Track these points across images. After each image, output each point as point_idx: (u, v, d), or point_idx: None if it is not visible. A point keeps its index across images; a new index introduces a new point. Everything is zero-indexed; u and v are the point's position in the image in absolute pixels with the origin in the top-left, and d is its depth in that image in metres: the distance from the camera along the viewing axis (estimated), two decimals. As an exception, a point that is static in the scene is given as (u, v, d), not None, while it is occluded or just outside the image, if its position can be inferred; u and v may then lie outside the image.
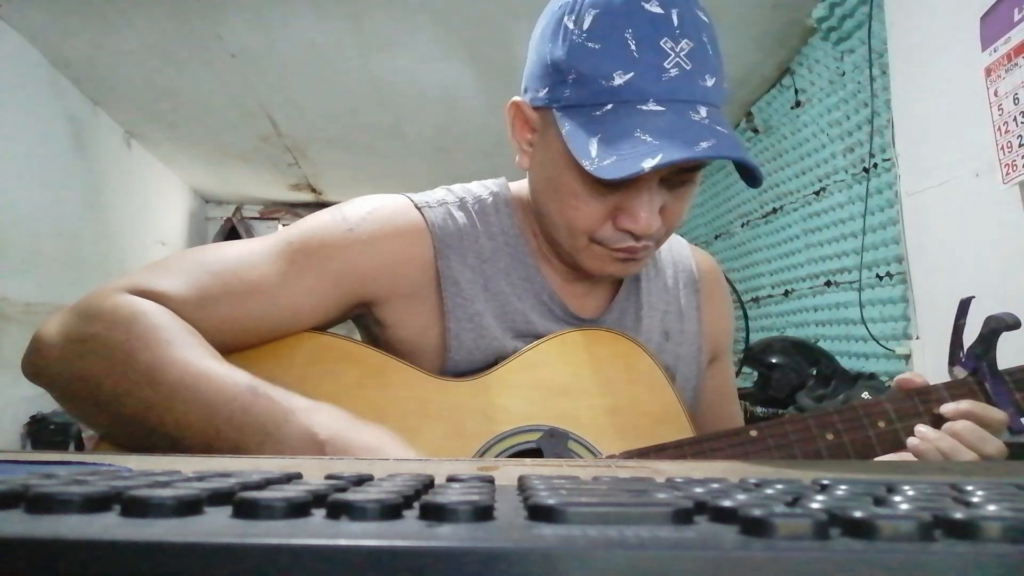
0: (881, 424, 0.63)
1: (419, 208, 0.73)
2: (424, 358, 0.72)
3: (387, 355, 0.70)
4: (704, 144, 0.59)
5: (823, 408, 0.64)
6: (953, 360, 0.67)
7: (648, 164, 0.57)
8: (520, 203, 0.78)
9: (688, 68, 0.61)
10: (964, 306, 0.68)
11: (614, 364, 0.73)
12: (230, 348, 0.65)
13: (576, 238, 0.68)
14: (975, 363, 0.65)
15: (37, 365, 0.61)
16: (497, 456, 0.66)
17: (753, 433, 0.62)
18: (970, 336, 0.67)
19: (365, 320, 0.75)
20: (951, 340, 0.68)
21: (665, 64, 0.61)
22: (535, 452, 0.67)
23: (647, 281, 0.82)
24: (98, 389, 0.57)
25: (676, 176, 0.65)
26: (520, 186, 0.79)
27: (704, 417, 0.86)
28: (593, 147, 0.60)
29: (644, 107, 0.61)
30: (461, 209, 0.75)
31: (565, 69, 0.63)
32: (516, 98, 0.71)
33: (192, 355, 0.57)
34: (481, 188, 0.78)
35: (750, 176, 0.64)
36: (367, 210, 0.71)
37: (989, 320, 0.65)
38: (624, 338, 0.74)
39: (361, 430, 0.55)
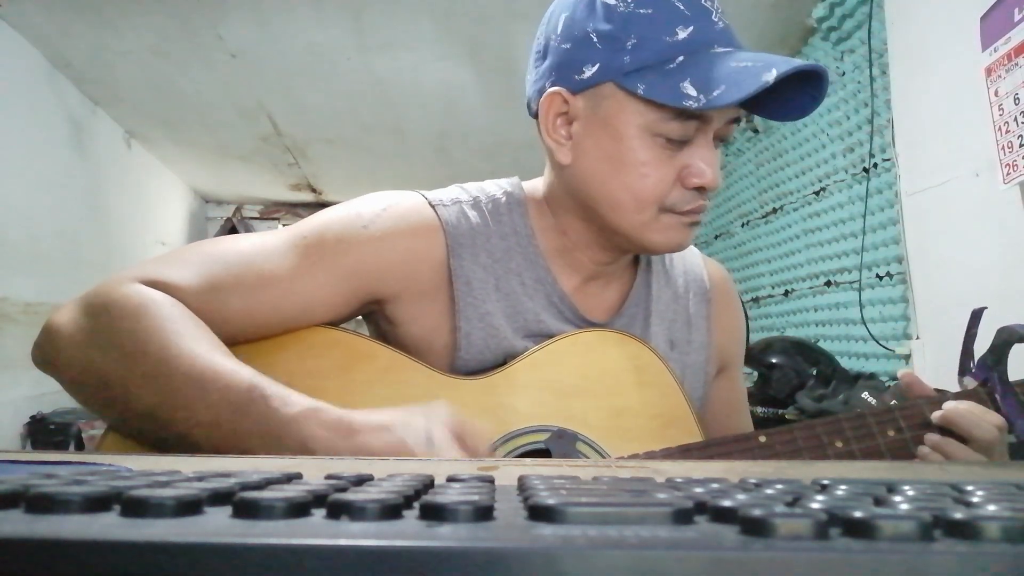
0: (891, 433, 0.63)
1: (433, 206, 0.73)
2: (434, 356, 0.72)
3: (397, 352, 0.70)
4: (796, 61, 0.61)
5: (833, 416, 0.64)
6: (963, 370, 0.67)
7: (768, 76, 0.59)
8: (534, 203, 0.77)
9: (727, 24, 0.67)
10: (976, 316, 0.68)
11: (624, 366, 0.72)
12: (239, 340, 0.65)
13: (644, 211, 0.67)
14: (986, 374, 0.65)
15: (47, 354, 0.61)
16: (505, 456, 0.66)
17: (762, 439, 0.62)
18: (979, 347, 0.67)
19: (375, 317, 0.75)
20: (962, 350, 0.67)
21: (713, 18, 0.66)
22: (543, 452, 0.67)
23: (657, 288, 0.81)
24: (107, 380, 0.57)
25: (724, 130, 0.68)
26: (533, 186, 0.79)
27: (712, 428, 0.85)
28: (689, 88, 0.62)
29: (714, 51, 0.64)
30: (475, 208, 0.75)
31: (622, 37, 0.64)
32: (552, 88, 0.68)
33: (199, 348, 0.57)
34: (495, 187, 0.78)
35: (810, 98, 0.66)
36: (381, 207, 0.71)
37: (1001, 331, 0.65)
38: (634, 340, 0.74)
39: (356, 436, 0.54)
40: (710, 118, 0.65)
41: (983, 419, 0.61)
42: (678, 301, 0.83)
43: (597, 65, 0.65)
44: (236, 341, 0.64)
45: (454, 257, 0.71)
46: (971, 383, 0.66)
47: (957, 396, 0.64)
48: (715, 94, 0.60)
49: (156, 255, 0.66)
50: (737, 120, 0.68)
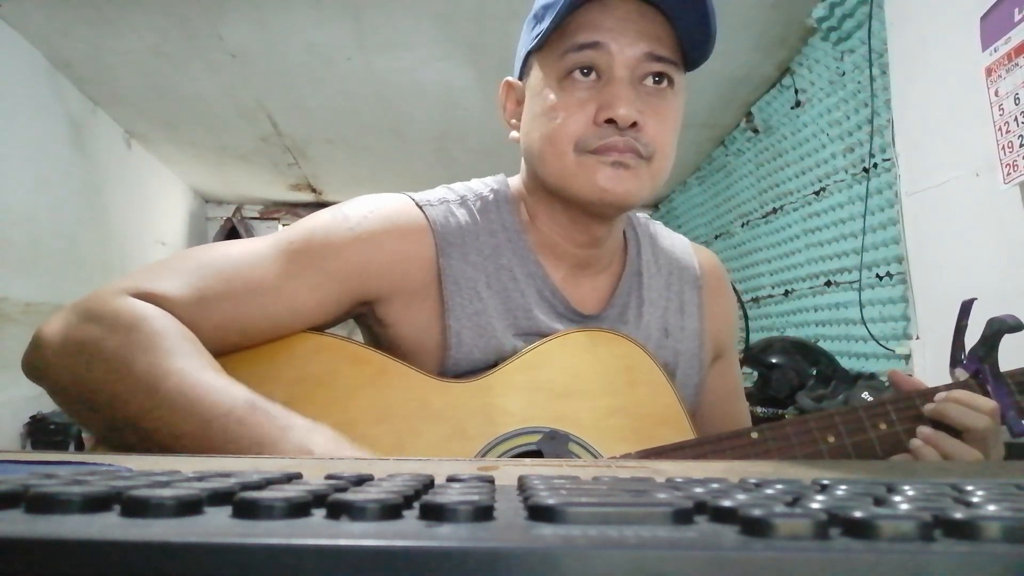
0: (882, 426, 0.63)
1: (420, 206, 0.73)
2: (426, 356, 0.72)
3: (388, 356, 0.70)
4: None
5: (824, 410, 0.64)
6: (955, 362, 0.67)
7: None
8: (521, 197, 0.78)
9: None
10: (966, 308, 0.68)
11: (615, 365, 0.72)
12: (231, 348, 0.65)
13: (563, 156, 0.68)
14: (977, 365, 0.65)
15: (36, 364, 0.61)
16: (498, 458, 0.66)
17: (754, 435, 0.62)
18: (971, 338, 0.67)
19: (367, 319, 0.75)
20: (952, 342, 0.68)
21: None
22: (536, 454, 0.67)
23: (648, 277, 0.82)
24: (95, 392, 0.57)
25: (646, 66, 0.68)
26: (517, 182, 0.80)
27: (710, 415, 0.85)
28: (546, 23, 0.68)
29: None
30: (462, 207, 0.75)
31: (537, 12, 0.71)
32: (507, 78, 0.78)
33: (191, 365, 0.57)
34: (481, 185, 0.79)
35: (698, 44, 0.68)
36: (368, 209, 0.72)
37: (991, 322, 0.65)
38: (625, 339, 0.74)
39: (353, 447, 0.55)
40: (608, 50, 0.66)
41: (974, 407, 0.61)
42: (670, 288, 0.83)
43: (524, 47, 0.74)
44: (227, 348, 0.64)
45: (443, 256, 0.72)
46: (962, 375, 0.66)
47: (949, 388, 0.64)
48: (546, 24, 0.67)
49: (147, 264, 0.66)
50: (658, 57, 0.68)
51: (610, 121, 0.66)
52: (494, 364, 0.72)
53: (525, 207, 0.78)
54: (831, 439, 0.62)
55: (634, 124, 0.66)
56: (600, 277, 0.80)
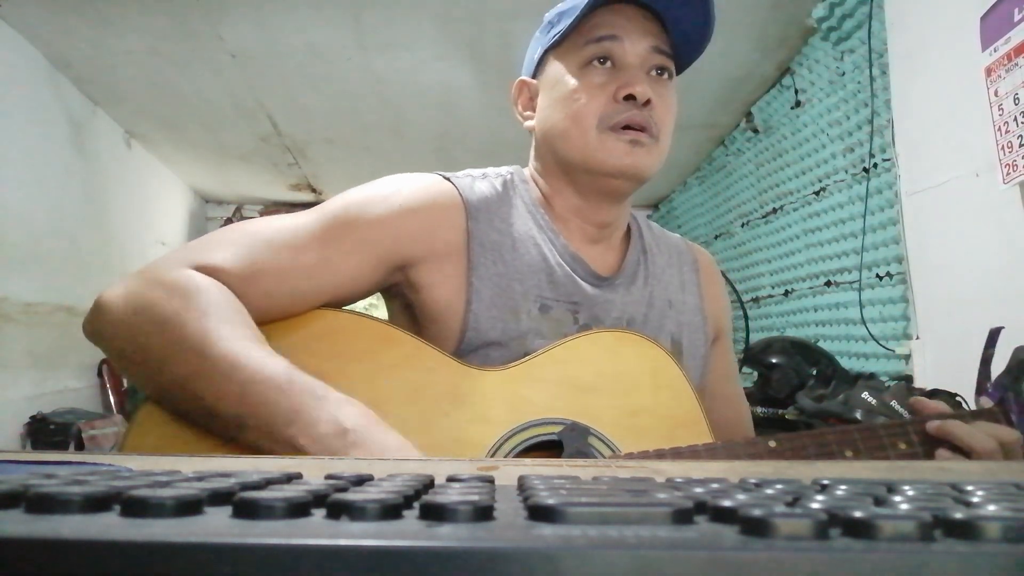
0: (902, 446, 0.63)
1: (448, 178, 0.81)
2: (451, 317, 0.76)
3: (422, 340, 0.73)
4: None
5: (845, 426, 0.64)
6: (980, 390, 0.67)
7: None
8: (534, 181, 0.86)
9: None
10: (994, 336, 0.68)
11: (641, 367, 0.75)
12: (280, 313, 0.70)
13: (587, 134, 0.76)
14: (1002, 393, 0.65)
15: (96, 325, 0.66)
16: (517, 445, 0.68)
17: (772, 444, 0.62)
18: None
19: (400, 287, 0.79)
20: (979, 370, 0.68)
21: None
22: (556, 444, 0.68)
23: (652, 255, 0.89)
24: (148, 351, 0.62)
25: (652, 59, 0.78)
26: (529, 169, 0.88)
27: (712, 395, 0.89)
28: (564, 23, 0.78)
29: None
30: (484, 180, 0.83)
31: (552, 18, 0.81)
32: (521, 77, 0.86)
33: (239, 335, 0.61)
34: (499, 169, 0.87)
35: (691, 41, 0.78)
36: (402, 181, 0.79)
37: (1018, 351, 0.65)
38: (653, 343, 0.77)
39: (387, 431, 0.58)
40: (622, 42, 0.76)
41: (996, 436, 0.61)
42: (671, 266, 0.90)
43: (540, 49, 0.82)
44: (275, 314, 0.69)
45: (471, 220, 0.78)
46: (987, 402, 0.66)
47: (973, 415, 0.64)
48: (566, 23, 0.77)
49: (202, 237, 0.72)
50: (661, 51, 0.78)
51: (628, 98, 0.75)
52: (513, 325, 0.75)
53: (539, 190, 0.84)
54: (849, 454, 0.62)
55: (648, 102, 0.75)
56: (610, 252, 0.86)
